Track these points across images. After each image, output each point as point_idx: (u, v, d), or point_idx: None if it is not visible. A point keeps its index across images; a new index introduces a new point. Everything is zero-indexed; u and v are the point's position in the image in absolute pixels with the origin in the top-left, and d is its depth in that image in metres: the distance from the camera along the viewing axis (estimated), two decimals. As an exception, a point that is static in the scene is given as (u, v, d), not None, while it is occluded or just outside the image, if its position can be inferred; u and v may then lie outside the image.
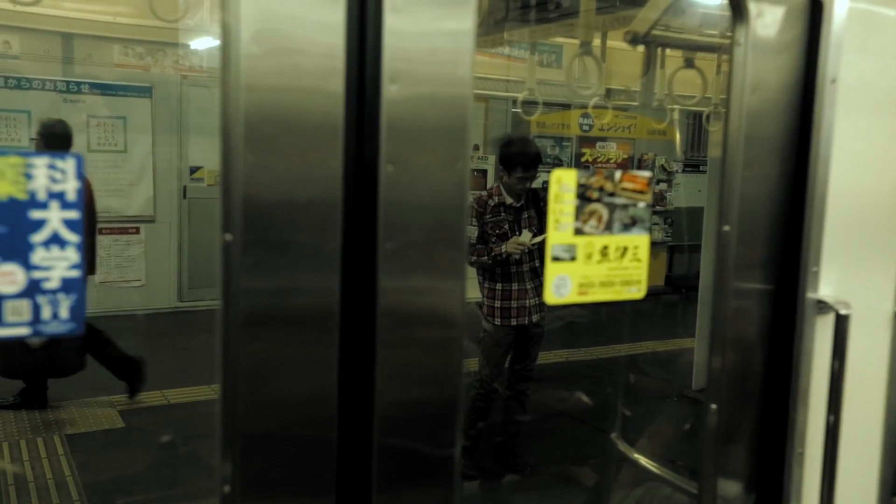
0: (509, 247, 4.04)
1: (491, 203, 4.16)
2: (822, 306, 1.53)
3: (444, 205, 1.17)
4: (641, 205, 1.35)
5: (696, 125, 9.91)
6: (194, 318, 7.51)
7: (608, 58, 3.63)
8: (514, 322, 4.21)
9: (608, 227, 1.32)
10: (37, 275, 0.95)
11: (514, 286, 4.19)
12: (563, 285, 1.30)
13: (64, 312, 0.97)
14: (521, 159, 4.10)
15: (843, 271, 1.57)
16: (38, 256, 0.95)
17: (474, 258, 4.10)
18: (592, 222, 1.31)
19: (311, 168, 1.09)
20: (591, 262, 1.32)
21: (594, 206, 1.30)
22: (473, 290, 4.31)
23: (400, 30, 1.11)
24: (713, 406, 1.54)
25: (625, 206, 1.33)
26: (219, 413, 1.09)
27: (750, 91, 1.45)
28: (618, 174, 1.33)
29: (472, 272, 4.22)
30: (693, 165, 10.32)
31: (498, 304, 4.20)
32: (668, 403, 5.64)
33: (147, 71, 7.64)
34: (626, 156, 9.82)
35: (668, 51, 3.98)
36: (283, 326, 1.10)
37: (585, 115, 9.09)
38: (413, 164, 1.14)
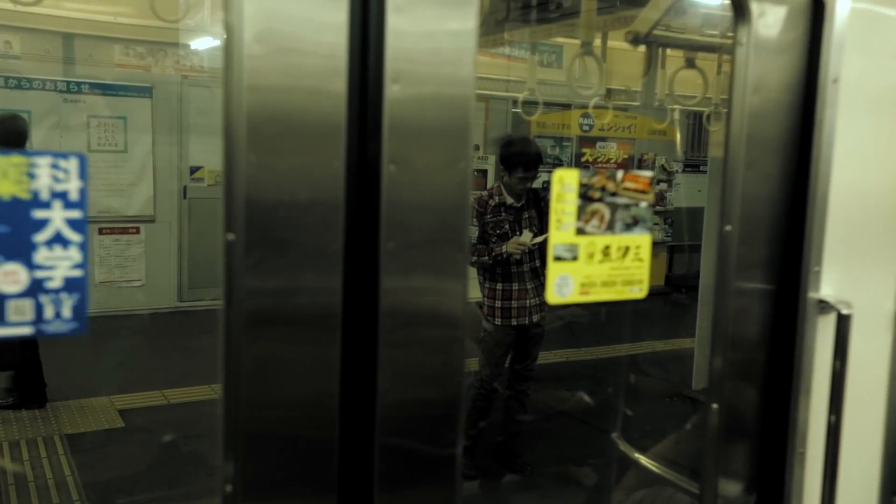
0: (510, 247, 4.04)
1: (491, 203, 4.16)
2: (824, 306, 1.53)
3: (446, 205, 1.17)
4: (643, 204, 1.35)
5: (696, 125, 9.91)
6: (194, 317, 7.51)
7: (609, 58, 3.63)
8: (514, 322, 4.21)
9: (610, 227, 1.32)
10: (39, 274, 0.95)
11: (515, 286, 4.19)
12: (565, 285, 1.30)
13: (66, 312, 0.97)
14: (522, 159, 4.10)
15: (845, 271, 1.57)
16: (40, 256, 0.95)
17: (475, 258, 4.10)
18: (594, 222, 1.31)
19: (314, 168, 1.09)
20: (593, 261, 1.32)
21: (596, 205, 1.31)
22: (474, 290, 4.31)
23: (402, 30, 1.12)
24: (714, 406, 1.54)
25: (627, 206, 1.33)
26: (221, 412, 1.09)
27: (752, 91, 1.46)
28: (619, 174, 1.33)
29: (472, 272, 4.22)
30: (693, 165, 10.32)
31: (498, 304, 4.20)
32: (669, 403, 5.64)
33: (147, 71, 7.64)
34: (626, 156, 9.82)
35: (668, 51, 3.98)
36: (285, 326, 1.10)
37: (586, 115, 9.09)
38: (415, 163, 1.14)
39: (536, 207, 4.22)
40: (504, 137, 8.33)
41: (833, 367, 1.54)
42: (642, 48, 3.92)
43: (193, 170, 8.09)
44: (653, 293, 1.44)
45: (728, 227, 1.49)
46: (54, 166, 0.95)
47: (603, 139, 9.70)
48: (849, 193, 1.55)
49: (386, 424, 1.17)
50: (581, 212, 1.29)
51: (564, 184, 1.28)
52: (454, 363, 1.22)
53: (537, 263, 4.20)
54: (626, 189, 1.33)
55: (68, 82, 7.27)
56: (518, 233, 4.13)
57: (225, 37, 1.04)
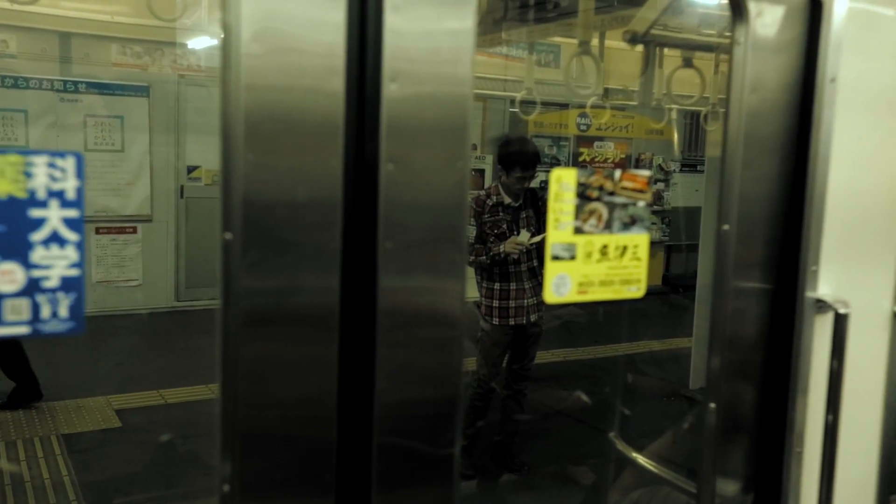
0: (507, 246, 4.04)
1: (489, 203, 4.16)
2: (821, 305, 1.53)
3: (443, 204, 1.17)
4: (641, 204, 1.35)
5: (693, 125, 9.92)
6: (191, 317, 7.51)
7: (606, 57, 3.63)
8: (512, 322, 4.21)
9: (608, 226, 1.32)
10: (36, 273, 0.95)
11: (512, 286, 4.19)
12: (562, 284, 1.30)
13: (63, 311, 0.97)
14: (520, 159, 4.10)
15: (842, 270, 1.57)
16: (37, 255, 0.95)
17: (473, 258, 4.10)
18: (592, 221, 1.31)
19: (312, 167, 1.09)
20: (591, 261, 1.32)
21: (594, 205, 1.30)
22: (471, 290, 4.31)
23: (400, 29, 1.11)
24: (712, 405, 1.54)
25: (624, 205, 1.33)
26: (218, 412, 1.09)
27: (749, 90, 1.46)
28: (617, 173, 1.33)
29: (470, 272, 4.22)
30: (690, 165, 10.33)
31: (496, 303, 4.20)
32: (666, 403, 5.65)
33: (144, 70, 7.63)
34: (623, 155, 9.82)
35: (666, 50, 3.98)
36: (283, 325, 1.10)
37: (583, 115, 9.09)
38: (413, 163, 1.14)
39: (534, 207, 4.22)
40: (502, 137, 8.33)
41: (830, 367, 1.54)
42: (640, 48, 3.92)
43: (191, 169, 8.08)
44: (650, 293, 1.44)
45: (726, 227, 1.49)
46: (51, 165, 0.95)
47: (600, 139, 9.70)
48: (846, 193, 1.55)
49: (384, 424, 1.17)
50: (579, 211, 1.29)
51: (562, 183, 1.28)
52: (452, 363, 1.22)
53: (535, 263, 4.21)
54: (624, 188, 1.33)
55: (65, 81, 7.26)
56: (516, 232, 4.13)
57: (222, 36, 1.04)
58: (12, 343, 4.94)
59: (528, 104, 3.70)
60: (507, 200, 4.15)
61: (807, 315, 1.53)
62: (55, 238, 0.95)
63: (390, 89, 1.11)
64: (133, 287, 7.58)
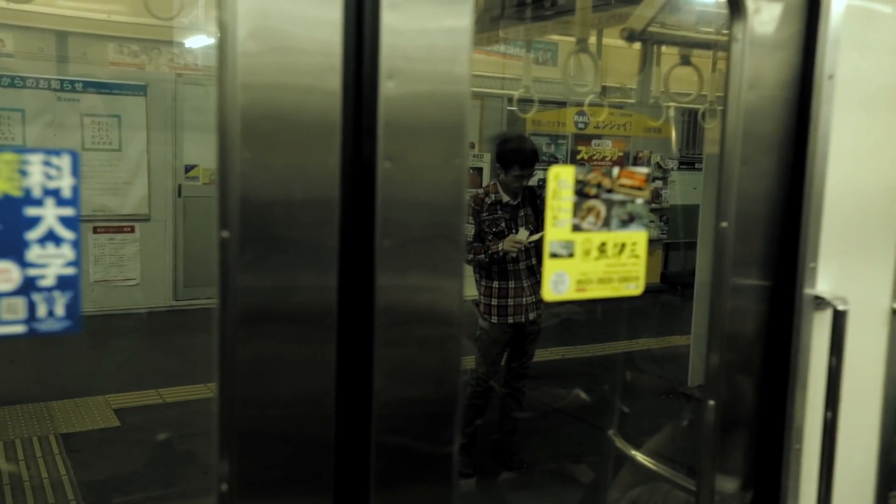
0: (506, 245, 4.04)
1: (487, 201, 4.15)
2: (820, 302, 1.53)
3: (441, 202, 1.17)
4: (639, 201, 1.35)
5: (691, 122, 9.92)
6: (190, 316, 7.50)
7: (604, 55, 3.63)
8: (510, 320, 4.21)
9: (606, 224, 1.32)
10: (32, 272, 0.95)
11: (511, 284, 4.18)
12: (561, 282, 1.30)
13: (59, 310, 0.96)
14: (518, 157, 4.10)
15: (841, 267, 1.57)
16: (33, 254, 0.94)
17: (471, 256, 4.10)
18: (590, 219, 1.30)
19: (309, 165, 1.09)
20: (589, 258, 1.31)
21: (592, 202, 1.30)
22: (470, 288, 4.31)
23: (397, 27, 1.11)
24: (711, 402, 1.54)
25: (623, 203, 1.33)
26: (216, 411, 1.09)
27: (747, 87, 1.45)
28: (615, 170, 1.33)
29: (468, 270, 4.22)
30: (688, 163, 10.33)
31: (494, 301, 4.20)
32: (665, 400, 5.65)
33: (142, 69, 7.61)
34: (621, 153, 9.83)
35: (663, 48, 3.98)
36: (281, 324, 1.10)
37: (581, 113, 9.09)
38: (411, 161, 1.14)
39: (532, 205, 4.22)
40: (500, 135, 8.32)
41: (829, 364, 1.54)
42: (637, 45, 3.92)
43: (188, 168, 8.07)
44: (648, 290, 1.44)
45: (724, 224, 1.49)
46: (46, 163, 0.94)
47: (598, 137, 9.70)
48: (845, 189, 1.55)
49: (382, 423, 1.16)
50: (577, 209, 1.29)
51: (560, 181, 1.28)
52: (450, 361, 1.22)
53: (533, 261, 4.20)
54: (622, 186, 1.33)
55: (62, 80, 7.25)
56: (514, 230, 4.12)
57: (219, 34, 1.03)
58: None
59: (525, 102, 3.69)
60: (506, 199, 4.14)
61: (805, 312, 1.53)
62: (51, 236, 0.95)
63: (387, 87, 1.11)
64: (131, 286, 7.57)
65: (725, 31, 1.49)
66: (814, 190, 1.50)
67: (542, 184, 5.94)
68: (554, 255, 1.29)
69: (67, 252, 0.96)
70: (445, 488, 1.24)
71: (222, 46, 1.03)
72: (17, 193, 0.93)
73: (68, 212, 0.96)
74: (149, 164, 7.75)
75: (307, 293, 1.11)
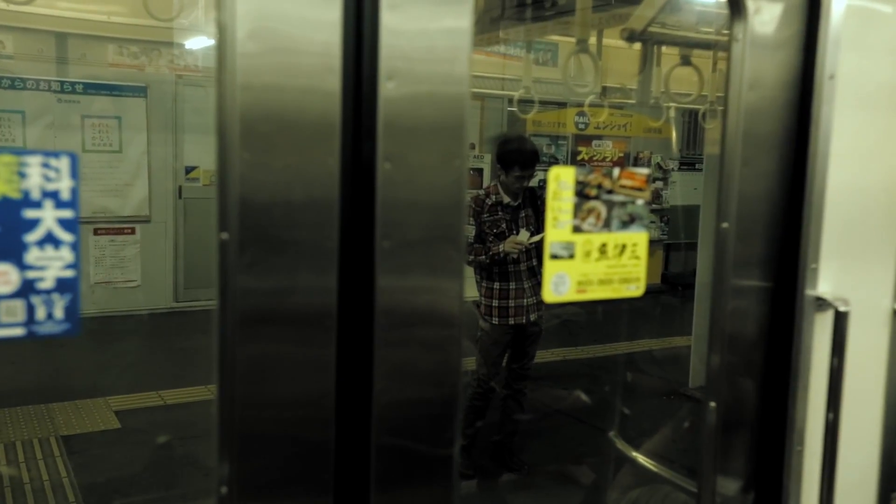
0: (507, 246, 4.04)
1: (488, 202, 4.15)
2: (821, 303, 1.53)
3: (441, 203, 1.17)
4: (640, 202, 1.34)
5: (691, 123, 9.92)
6: (190, 318, 7.50)
7: (604, 55, 3.63)
8: (511, 321, 4.21)
9: (607, 225, 1.32)
10: (31, 275, 0.94)
11: (512, 285, 4.18)
12: (561, 283, 1.30)
13: (58, 313, 0.96)
14: (519, 158, 4.09)
15: (842, 268, 1.56)
16: (32, 256, 0.94)
17: (472, 257, 4.10)
18: (591, 220, 1.30)
19: (308, 166, 1.08)
20: (590, 259, 1.31)
21: (593, 203, 1.30)
22: (470, 289, 4.30)
23: (397, 27, 1.11)
24: (712, 404, 1.54)
25: (623, 203, 1.33)
26: (216, 413, 1.09)
27: (748, 87, 1.45)
28: (616, 171, 1.32)
29: (469, 271, 4.21)
30: (688, 163, 10.33)
31: (495, 303, 4.19)
32: (666, 401, 5.65)
33: (142, 70, 7.61)
34: (621, 154, 9.82)
35: (664, 48, 3.98)
36: (281, 326, 1.10)
37: (581, 114, 9.09)
38: (410, 162, 1.14)
39: (533, 206, 4.22)
40: (501, 136, 8.33)
41: (831, 365, 1.54)
42: (638, 46, 3.92)
43: (188, 169, 8.07)
44: (649, 291, 1.44)
45: (725, 225, 1.48)
46: (45, 165, 0.94)
47: (598, 137, 9.70)
48: (846, 190, 1.55)
49: (382, 424, 1.16)
50: (578, 209, 1.29)
51: (561, 181, 1.27)
52: (451, 362, 1.21)
53: (534, 262, 4.20)
54: (623, 186, 1.32)
55: (62, 82, 7.25)
56: (515, 232, 4.12)
57: (218, 35, 1.03)
58: None
59: (526, 103, 3.69)
60: (506, 200, 4.14)
61: (807, 313, 1.52)
62: (50, 239, 0.95)
63: (387, 88, 1.11)
64: (132, 288, 7.56)
65: (726, 32, 1.49)
66: (815, 190, 1.50)
67: (543, 185, 5.94)
68: (554, 257, 1.29)
69: (66, 254, 0.96)
70: (446, 490, 1.24)
71: (221, 47, 1.03)
72: (15, 195, 0.93)
73: (67, 214, 0.95)
74: (149, 166, 7.75)
75: (307, 294, 1.10)
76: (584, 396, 5.68)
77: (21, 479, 4.33)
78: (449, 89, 1.16)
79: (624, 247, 1.34)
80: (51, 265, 0.95)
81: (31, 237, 0.94)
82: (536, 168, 4.24)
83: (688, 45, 3.85)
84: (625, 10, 3.51)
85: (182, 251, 8.03)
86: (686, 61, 3.82)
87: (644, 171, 1.35)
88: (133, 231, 7.61)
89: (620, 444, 3.31)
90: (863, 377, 1.65)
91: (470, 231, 4.09)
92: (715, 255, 1.52)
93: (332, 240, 1.10)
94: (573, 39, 3.24)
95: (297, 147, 1.07)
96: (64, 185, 0.95)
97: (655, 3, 3.61)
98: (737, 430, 1.57)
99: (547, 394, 5.74)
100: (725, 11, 1.48)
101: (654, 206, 9.91)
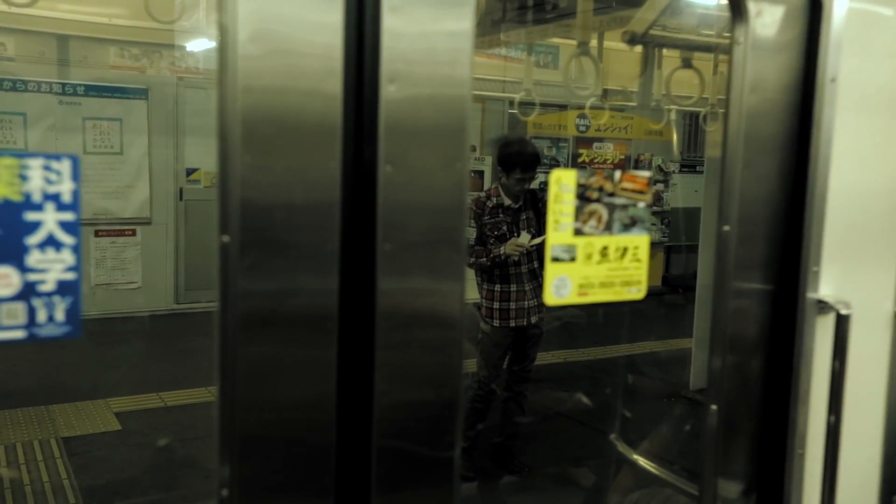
0: (508, 248, 4.04)
1: (489, 204, 4.15)
2: (823, 306, 1.53)
3: (442, 205, 1.17)
4: (641, 205, 1.34)
5: (692, 125, 9.92)
6: (191, 320, 7.50)
7: (605, 58, 3.63)
8: (512, 323, 4.21)
9: (608, 228, 1.32)
10: (32, 277, 0.94)
11: (513, 287, 4.18)
12: (562, 286, 1.30)
13: (59, 315, 0.96)
14: (520, 160, 4.09)
15: (844, 271, 1.56)
16: (33, 259, 0.94)
17: (473, 260, 4.09)
18: (592, 222, 1.30)
19: (310, 169, 1.08)
20: (591, 262, 1.31)
21: (594, 206, 1.30)
22: (471, 292, 4.30)
23: (398, 30, 1.11)
24: (713, 406, 1.53)
25: (624, 206, 1.33)
26: (217, 416, 1.09)
27: (749, 90, 1.45)
28: (617, 174, 1.32)
29: (470, 273, 4.21)
30: (689, 166, 10.32)
31: (496, 305, 4.19)
32: (667, 404, 5.64)
33: (143, 73, 7.62)
34: (622, 156, 9.82)
35: (665, 51, 3.97)
36: (282, 328, 1.10)
37: (582, 116, 9.09)
38: (412, 164, 1.14)
39: (534, 208, 4.22)
40: (502, 138, 8.32)
41: (832, 368, 1.53)
42: (639, 48, 3.92)
43: (190, 171, 8.07)
44: (650, 293, 1.44)
45: (726, 228, 1.48)
46: (46, 168, 0.94)
47: (599, 140, 9.70)
48: (847, 193, 1.55)
49: (383, 427, 1.16)
50: (579, 212, 1.29)
51: (562, 184, 1.27)
52: (452, 364, 1.21)
53: (535, 265, 4.20)
54: (624, 189, 1.32)
55: (63, 84, 7.26)
56: (516, 234, 4.12)
57: (219, 38, 1.03)
58: None
59: (527, 105, 3.69)
60: (507, 202, 4.14)
61: (808, 316, 1.52)
62: (51, 241, 0.95)
63: (388, 91, 1.11)
64: (132, 289, 7.57)
65: (727, 35, 1.49)
66: (816, 193, 1.50)
67: (544, 187, 5.94)
68: (556, 259, 1.29)
69: (67, 257, 0.96)
70: (447, 492, 1.24)
71: (223, 50, 1.03)
72: (17, 198, 0.93)
73: (68, 216, 0.95)
74: (150, 168, 7.75)
75: (308, 297, 1.10)
76: (584, 399, 5.68)
77: (21, 481, 4.32)
78: (450, 92, 1.16)
79: (625, 250, 1.34)
80: (52, 268, 0.95)
81: (33, 240, 0.94)
82: (537, 170, 4.23)
83: (689, 48, 3.85)
84: (626, 12, 3.51)
85: (183, 253, 8.03)
86: (687, 64, 3.82)
87: (645, 174, 1.35)
88: (134, 233, 7.62)
89: (621, 447, 3.31)
90: (864, 380, 1.65)
91: (471, 233, 4.09)
92: (716, 257, 1.52)
93: (333, 242, 1.10)
94: (574, 42, 3.24)
95: (298, 149, 1.07)
96: (65, 188, 0.95)
97: (657, 6, 3.61)
98: (738, 433, 1.57)
99: (548, 396, 5.74)
100: (727, 14, 1.48)
101: (655, 208, 9.90)
